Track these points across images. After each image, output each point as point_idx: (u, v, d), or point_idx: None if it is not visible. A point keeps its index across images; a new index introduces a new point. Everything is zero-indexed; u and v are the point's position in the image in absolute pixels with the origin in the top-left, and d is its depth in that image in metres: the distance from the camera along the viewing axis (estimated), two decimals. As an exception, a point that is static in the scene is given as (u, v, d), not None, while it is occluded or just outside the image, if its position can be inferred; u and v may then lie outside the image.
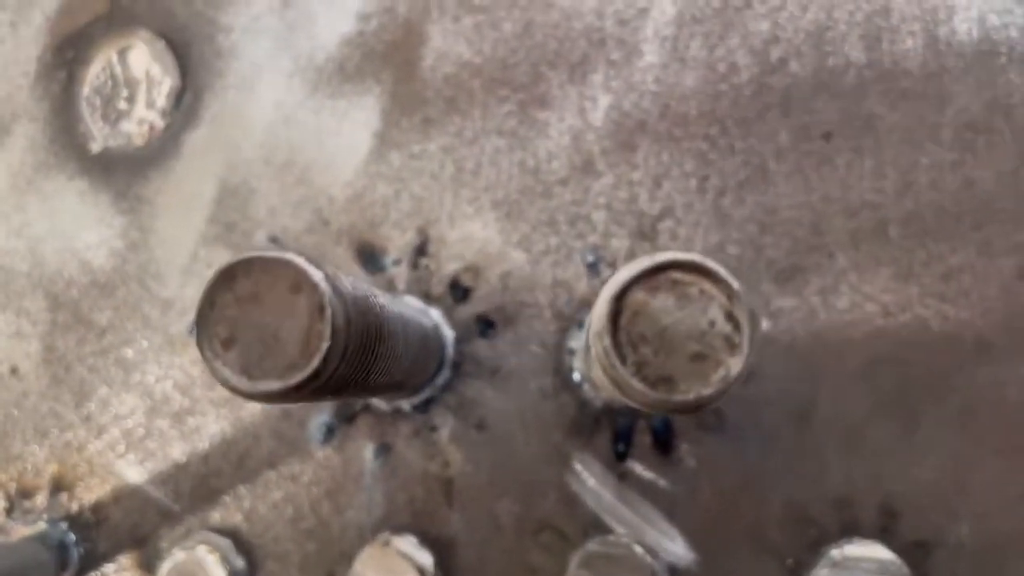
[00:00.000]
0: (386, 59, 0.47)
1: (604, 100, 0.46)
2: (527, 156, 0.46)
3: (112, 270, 0.48)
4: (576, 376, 0.45)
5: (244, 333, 0.25)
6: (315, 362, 0.25)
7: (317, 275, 0.25)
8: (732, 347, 0.24)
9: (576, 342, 0.45)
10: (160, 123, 0.48)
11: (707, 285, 0.25)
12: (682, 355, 0.24)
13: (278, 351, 0.25)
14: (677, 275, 0.25)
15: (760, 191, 0.45)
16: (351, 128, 0.47)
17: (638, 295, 0.25)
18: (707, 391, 0.24)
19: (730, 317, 0.25)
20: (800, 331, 0.44)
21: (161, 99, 0.48)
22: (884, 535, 0.43)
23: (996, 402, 0.43)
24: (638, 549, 0.43)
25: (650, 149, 0.46)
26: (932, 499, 0.44)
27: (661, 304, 0.24)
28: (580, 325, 0.45)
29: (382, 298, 0.33)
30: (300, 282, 0.25)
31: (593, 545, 0.44)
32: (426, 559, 0.44)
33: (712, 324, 0.24)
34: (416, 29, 0.47)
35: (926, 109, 0.45)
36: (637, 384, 0.24)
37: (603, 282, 0.45)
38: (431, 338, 0.43)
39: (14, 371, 0.48)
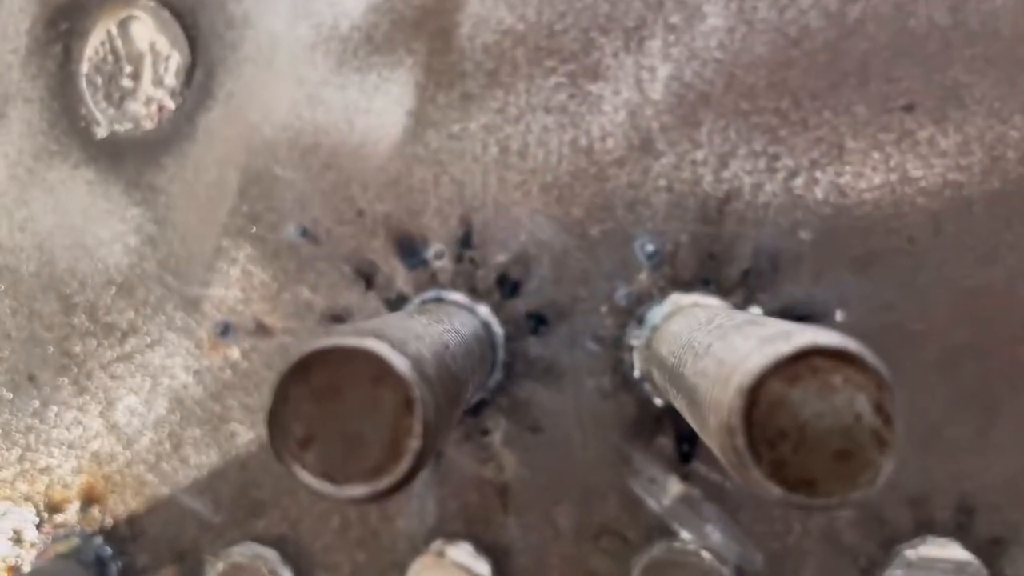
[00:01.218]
0: (418, 27, 0.43)
1: (663, 70, 0.42)
2: (579, 134, 0.42)
3: (129, 268, 0.44)
4: (636, 374, 0.42)
5: (323, 431, 0.22)
6: (405, 464, 0.22)
7: (403, 365, 0.22)
8: (882, 444, 0.22)
9: (636, 339, 0.42)
10: (170, 103, 0.43)
11: (852, 373, 0.22)
12: (825, 453, 0.21)
13: (363, 452, 0.22)
14: (819, 362, 0.21)
15: (835, 170, 0.41)
16: (382, 106, 0.43)
17: (774, 386, 0.21)
18: (855, 494, 0.21)
19: (879, 410, 0.22)
20: (876, 322, 0.41)
21: (169, 76, 0.43)
22: (959, 533, 0.42)
23: (1083, 394, 0.41)
24: (705, 554, 0.42)
25: (714, 125, 0.42)
26: (1010, 495, 0.42)
27: (800, 396, 0.21)
28: (640, 320, 0.42)
29: (450, 334, 0.30)
30: (384, 374, 0.22)
31: (658, 551, 0.42)
32: (483, 568, 0.42)
33: (859, 418, 0.22)
34: (451, -8, 0.42)
35: (1018, 76, 0.41)
36: (774, 488, 0.21)
37: (663, 276, 0.42)
38: (482, 340, 0.40)
39: (32, 379, 0.44)
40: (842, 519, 0.42)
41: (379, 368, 0.22)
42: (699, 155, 0.42)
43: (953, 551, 0.41)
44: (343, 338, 0.22)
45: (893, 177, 0.41)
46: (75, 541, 0.43)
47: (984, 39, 0.41)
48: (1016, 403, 0.41)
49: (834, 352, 0.21)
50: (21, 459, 0.45)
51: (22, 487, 0.44)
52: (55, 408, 0.44)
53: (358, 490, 0.22)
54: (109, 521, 0.44)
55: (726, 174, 0.42)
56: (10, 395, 0.44)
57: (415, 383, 0.22)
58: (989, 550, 0.42)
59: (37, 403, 0.44)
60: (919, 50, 0.41)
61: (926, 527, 0.42)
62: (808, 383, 0.21)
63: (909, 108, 0.41)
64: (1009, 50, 0.41)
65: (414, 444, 0.22)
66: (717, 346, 0.26)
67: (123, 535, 0.44)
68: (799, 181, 0.41)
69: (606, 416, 0.43)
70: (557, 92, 0.42)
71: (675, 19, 0.42)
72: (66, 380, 0.44)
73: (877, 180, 0.41)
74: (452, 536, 0.43)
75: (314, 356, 0.22)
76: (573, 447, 0.43)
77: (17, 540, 0.44)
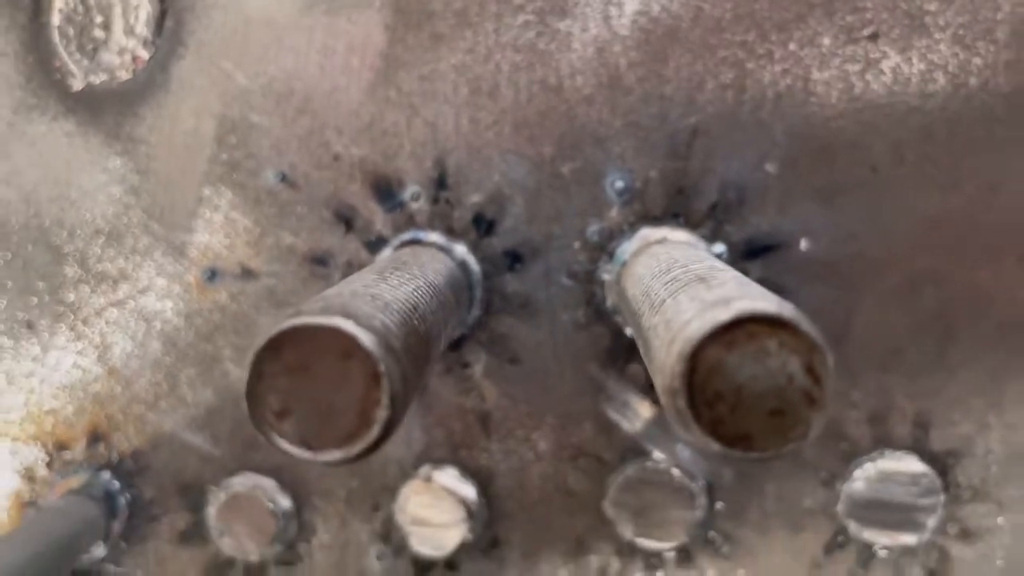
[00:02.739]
0: (385, -33, 0.42)
1: (631, 5, 0.42)
2: (548, 72, 0.43)
3: (115, 217, 0.45)
4: (608, 306, 0.44)
5: (298, 404, 0.24)
6: (375, 432, 0.24)
7: (369, 341, 0.23)
8: (812, 402, 0.23)
9: (607, 274, 0.43)
10: (143, 53, 0.44)
11: (786, 337, 0.23)
12: (760, 412, 0.23)
13: (335, 421, 0.24)
14: (755, 327, 0.23)
15: (801, 102, 0.42)
16: (352, 49, 0.43)
17: (712, 351, 0.23)
18: (786, 447, 0.23)
19: (810, 371, 0.23)
20: (840, 251, 0.43)
21: (140, 25, 0.43)
22: (916, 446, 0.44)
23: (1036, 314, 0.43)
24: (676, 472, 0.44)
25: (682, 60, 0.42)
26: (964, 412, 0.44)
27: (737, 360, 0.23)
28: (611, 255, 0.43)
29: (421, 291, 0.31)
30: (352, 350, 0.23)
31: (632, 470, 0.45)
32: (468, 491, 0.45)
33: (791, 379, 0.23)
34: (416, -70, 0.42)
35: (982, 4, 0.41)
36: (713, 444, 0.23)
37: (634, 211, 0.43)
38: (458, 283, 0.41)
39: (30, 326, 0.46)
40: (806, 436, 0.45)
41: (347, 345, 0.23)
42: (667, 90, 0.42)
43: (909, 464, 0.44)
44: (312, 317, 0.24)
45: (858, 106, 0.42)
46: (84, 476, 0.46)
47: (950, -35, 0.41)
48: (973, 326, 0.43)
49: (769, 318, 0.23)
50: (27, 402, 0.47)
51: (29, 428, 0.47)
52: (55, 354, 0.46)
53: (333, 455, 0.24)
54: (115, 457, 0.47)
55: (693, 108, 0.42)
56: (11, 342, 0.46)
57: (381, 358, 0.23)
58: (944, 461, 0.44)
59: (37, 349, 0.46)
60: (885, -22, 0.41)
61: (884, 442, 0.44)
62: (744, 348, 0.23)
63: (874, 37, 0.41)
64: (975, -25, 0.41)
65: (382, 414, 0.23)
66: (668, 304, 0.27)
67: (129, 469, 0.47)
68: (765, 114, 0.42)
69: (581, 346, 0.45)
70: (525, 30, 0.42)
71: (642, -48, 0.42)
72: (63, 326, 0.46)
73: (841, 109, 0.42)
74: (438, 461, 0.46)
75: (285, 335, 0.24)
76: (550, 376, 0.45)
77: (30, 478, 0.47)
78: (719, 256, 0.40)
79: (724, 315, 0.23)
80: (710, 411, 0.23)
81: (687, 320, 0.24)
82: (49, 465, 0.47)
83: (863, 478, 0.44)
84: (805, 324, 0.23)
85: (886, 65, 0.42)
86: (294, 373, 0.24)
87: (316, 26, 0.43)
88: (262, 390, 0.24)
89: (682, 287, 0.28)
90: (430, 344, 0.29)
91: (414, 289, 0.30)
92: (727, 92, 0.42)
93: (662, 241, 0.41)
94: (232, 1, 0.43)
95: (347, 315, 0.24)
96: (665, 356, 0.24)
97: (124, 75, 0.44)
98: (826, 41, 0.41)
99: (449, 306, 0.35)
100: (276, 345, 0.24)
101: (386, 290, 0.28)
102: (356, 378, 0.24)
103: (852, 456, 0.45)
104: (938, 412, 0.44)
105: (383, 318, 0.25)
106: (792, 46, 0.42)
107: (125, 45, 0.44)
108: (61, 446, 0.47)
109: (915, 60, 0.41)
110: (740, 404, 0.23)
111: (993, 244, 0.42)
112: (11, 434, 0.47)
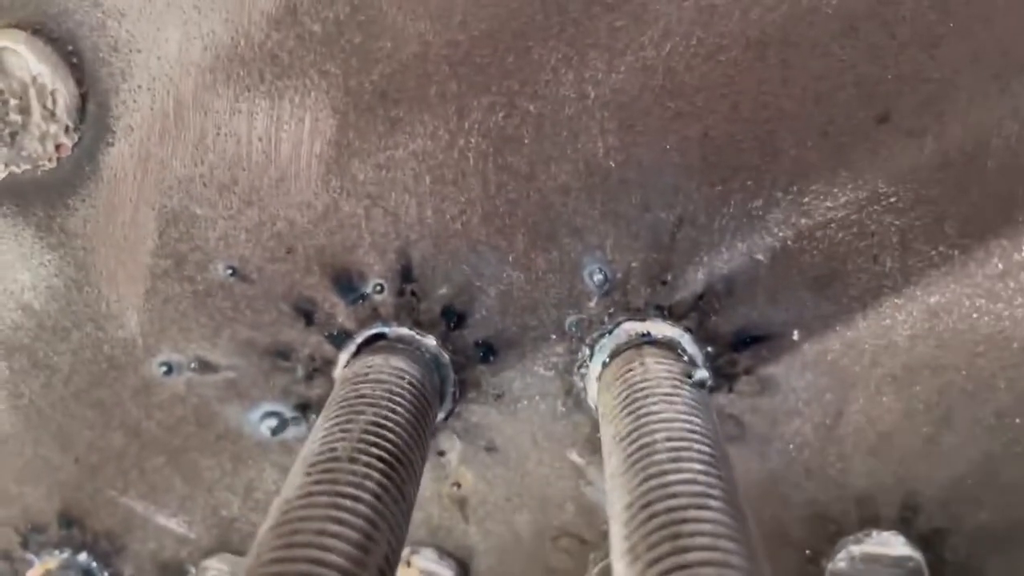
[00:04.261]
0: (330, 44, 0.37)
1: (608, 83, 0.37)
2: (517, 160, 0.38)
3: (59, 312, 0.42)
4: (591, 401, 0.41)
5: None
6: None
7: None
8: None
9: (587, 369, 0.41)
10: (66, 140, 0.39)
11: None
12: None
13: None
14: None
15: (798, 194, 0.38)
16: (298, 136, 0.38)
17: None
18: None
19: None
20: (835, 340, 0.40)
21: (60, 110, 0.38)
22: (902, 526, 0.43)
23: (1038, 402, 0.40)
24: (658, 556, 0.44)
25: (658, 141, 0.38)
26: (957, 492, 0.43)
27: None
28: (592, 348, 0.41)
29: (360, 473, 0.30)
30: None
31: (613, 551, 0.44)
32: (447, 572, 0.45)
33: None
34: (363, 1, 0.36)
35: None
36: None
37: (614, 302, 0.40)
38: (429, 393, 0.39)
39: (-9, 422, 0.44)
40: (791, 516, 0.44)
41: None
42: (649, 177, 0.38)
43: (894, 547, 0.43)
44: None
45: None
46: (62, 558, 0.46)
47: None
48: (968, 413, 0.41)
49: None
50: (-6, 488, 0.46)
51: (0, 512, 0.46)
52: (12, 444, 0.45)
53: None
54: (89, 538, 0.46)
55: (679, 197, 0.38)
56: (-32, 435, 0.45)
57: None
58: (931, 539, 0.44)
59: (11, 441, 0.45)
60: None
61: (871, 522, 0.43)
62: None
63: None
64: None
65: None
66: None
67: (106, 550, 0.46)
68: (758, 204, 0.38)
69: (561, 435, 0.43)
70: (491, 113, 0.38)
71: (620, 22, 0.36)
72: (20, 421, 0.44)
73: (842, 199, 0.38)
74: (417, 544, 0.45)
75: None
76: (529, 464, 0.44)
77: (7, 558, 0.47)
78: (701, 384, 0.37)
79: None
80: None
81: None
82: (24, 545, 0.47)
83: (847, 558, 0.43)
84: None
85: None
86: None
87: (256, 111, 0.38)
88: None
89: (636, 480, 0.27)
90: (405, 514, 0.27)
91: (349, 484, 0.29)
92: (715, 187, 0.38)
93: (642, 362, 0.38)
94: (160, 84, 0.38)
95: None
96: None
97: (48, 164, 0.40)
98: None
99: (418, 427, 0.34)
100: None
101: (306, 524, 0.26)
102: None
103: (839, 535, 0.44)
104: (929, 494, 0.43)
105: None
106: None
107: (47, 131, 0.39)
108: (36, 528, 0.46)
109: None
110: None
111: (993, 334, 0.40)
112: (-16, 517, 0.46)
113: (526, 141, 0.38)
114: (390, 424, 0.34)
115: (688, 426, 0.32)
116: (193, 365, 0.42)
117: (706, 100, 0.37)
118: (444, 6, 0.36)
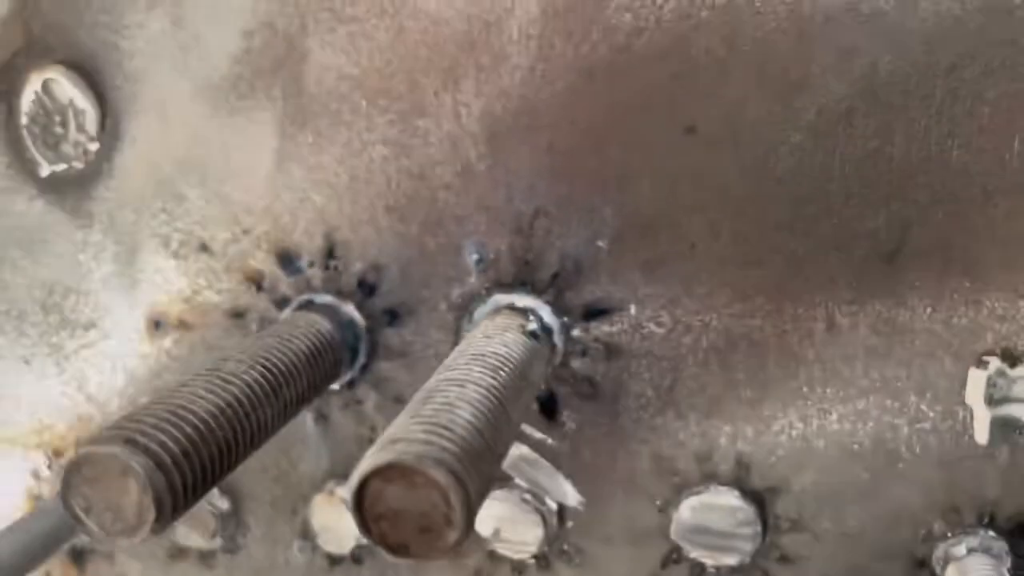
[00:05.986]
0: (274, 75, 0.50)
1: (477, 105, 0.48)
2: (411, 164, 0.50)
3: (83, 276, 0.56)
4: (470, 359, 0.51)
5: (96, 504, 0.33)
6: (146, 529, 0.33)
7: (138, 463, 0.33)
8: (450, 523, 0.31)
9: (467, 331, 0.51)
10: (92, 146, 0.53)
11: (429, 476, 0.31)
12: (412, 529, 0.31)
13: (122, 518, 0.33)
14: (407, 468, 0.31)
15: (625, 192, 0.48)
16: (252, 144, 0.51)
17: (376, 484, 0.31)
18: (435, 555, 0.31)
19: (447, 500, 0.31)
20: (665, 315, 0.49)
21: (88, 124, 0.53)
22: (738, 482, 0.51)
23: (840, 373, 0.48)
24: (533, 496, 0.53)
25: (516, 149, 0.48)
26: (781, 454, 0.50)
27: (393, 491, 0.31)
28: (471, 316, 0.51)
29: (248, 386, 0.40)
30: (125, 470, 0.33)
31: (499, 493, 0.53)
32: (364, 503, 0.55)
33: (433, 506, 0.31)
34: (297, 43, 0.49)
35: (785, 100, 0.45)
36: (383, 550, 0.32)
37: (488, 278, 0.50)
38: (335, 343, 0.50)
39: (27, 362, 0.58)
40: (642, 468, 0.52)
41: (122, 466, 0.33)
42: (511, 178, 0.49)
43: (729, 499, 0.50)
44: (97, 447, 0.33)
45: (670, 166, 0.47)
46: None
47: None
48: (785, 382, 0.49)
49: (409, 468, 0.31)
50: (31, 418, 0.59)
51: (32, 439, 0.59)
52: (47, 383, 0.58)
53: (123, 540, 0.34)
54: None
55: (534, 193, 0.49)
56: (14, 375, 0.59)
57: (146, 478, 0.33)
58: (763, 496, 0.51)
59: (32, 378, 0.58)
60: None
61: (711, 477, 0.51)
62: (398, 482, 0.31)
63: (691, 130, 0.46)
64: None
65: (150, 517, 0.33)
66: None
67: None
68: (596, 198, 0.48)
69: (451, 389, 0.53)
70: (390, 128, 0.50)
71: (485, 60, 0.48)
72: (51, 362, 0.58)
73: (660, 194, 0.47)
74: (342, 477, 0.55)
75: (81, 459, 0.33)
76: (427, 413, 0.54)
77: (36, 476, 0.60)
78: (533, 333, 0.47)
79: (380, 460, 0.31)
80: (376, 526, 0.32)
81: (371, 451, 0.32)
82: (50, 467, 0.60)
83: (689, 508, 0.51)
84: (436, 472, 0.31)
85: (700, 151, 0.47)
86: (91, 483, 0.33)
87: (223, 126, 0.51)
88: (71, 493, 0.34)
89: (414, 402, 0.36)
90: (232, 442, 0.38)
91: (239, 387, 0.39)
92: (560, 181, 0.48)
93: (492, 317, 0.48)
94: (156, 105, 0.52)
95: (127, 441, 0.33)
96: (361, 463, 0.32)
97: (79, 164, 0.54)
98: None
99: (311, 360, 0.45)
100: (77, 466, 0.33)
101: (193, 402, 0.37)
102: (131, 489, 0.33)
103: (683, 487, 0.51)
104: (757, 455, 0.50)
105: (163, 437, 0.34)
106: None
107: (79, 140, 0.53)
108: (58, 453, 0.59)
109: (726, 151, 0.46)
110: (397, 523, 0.31)
111: (800, 311, 0.47)
112: (21, 442, 0.60)
113: (417, 149, 0.50)
114: (282, 347, 0.45)
115: (493, 351, 0.42)
116: (175, 323, 0.55)
117: (550, 117, 0.48)
118: (353, 48, 0.49)
